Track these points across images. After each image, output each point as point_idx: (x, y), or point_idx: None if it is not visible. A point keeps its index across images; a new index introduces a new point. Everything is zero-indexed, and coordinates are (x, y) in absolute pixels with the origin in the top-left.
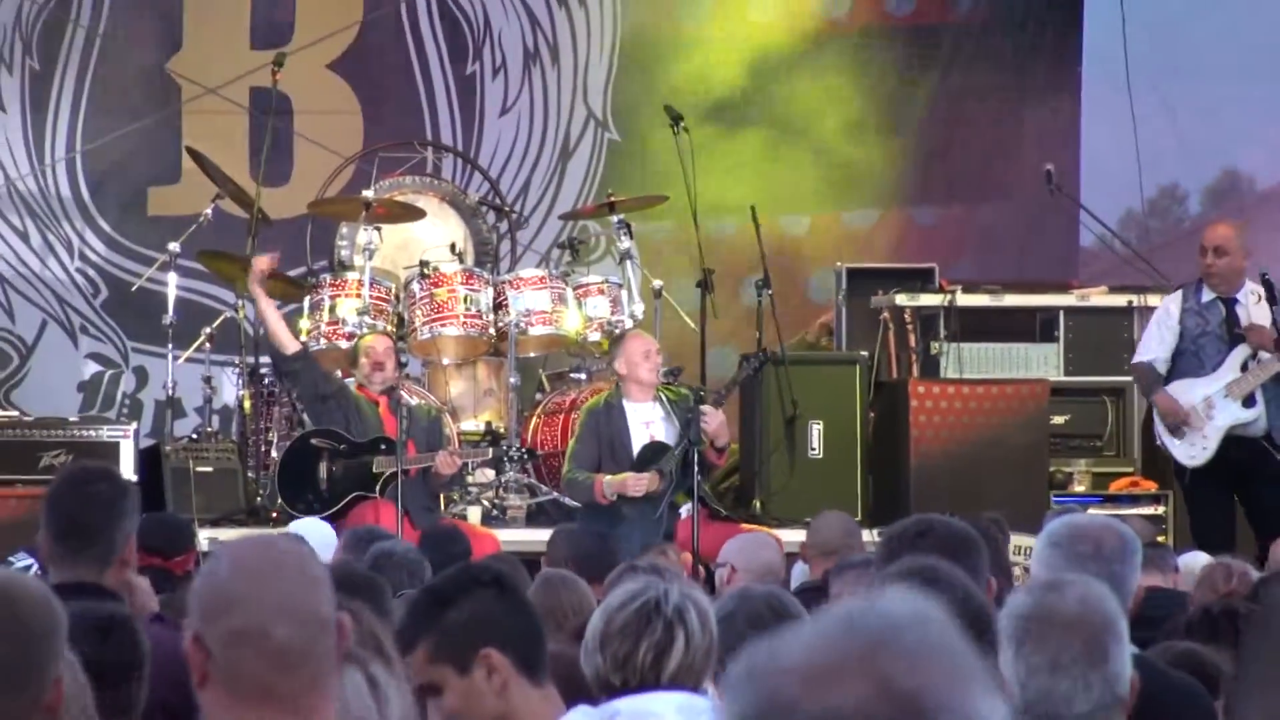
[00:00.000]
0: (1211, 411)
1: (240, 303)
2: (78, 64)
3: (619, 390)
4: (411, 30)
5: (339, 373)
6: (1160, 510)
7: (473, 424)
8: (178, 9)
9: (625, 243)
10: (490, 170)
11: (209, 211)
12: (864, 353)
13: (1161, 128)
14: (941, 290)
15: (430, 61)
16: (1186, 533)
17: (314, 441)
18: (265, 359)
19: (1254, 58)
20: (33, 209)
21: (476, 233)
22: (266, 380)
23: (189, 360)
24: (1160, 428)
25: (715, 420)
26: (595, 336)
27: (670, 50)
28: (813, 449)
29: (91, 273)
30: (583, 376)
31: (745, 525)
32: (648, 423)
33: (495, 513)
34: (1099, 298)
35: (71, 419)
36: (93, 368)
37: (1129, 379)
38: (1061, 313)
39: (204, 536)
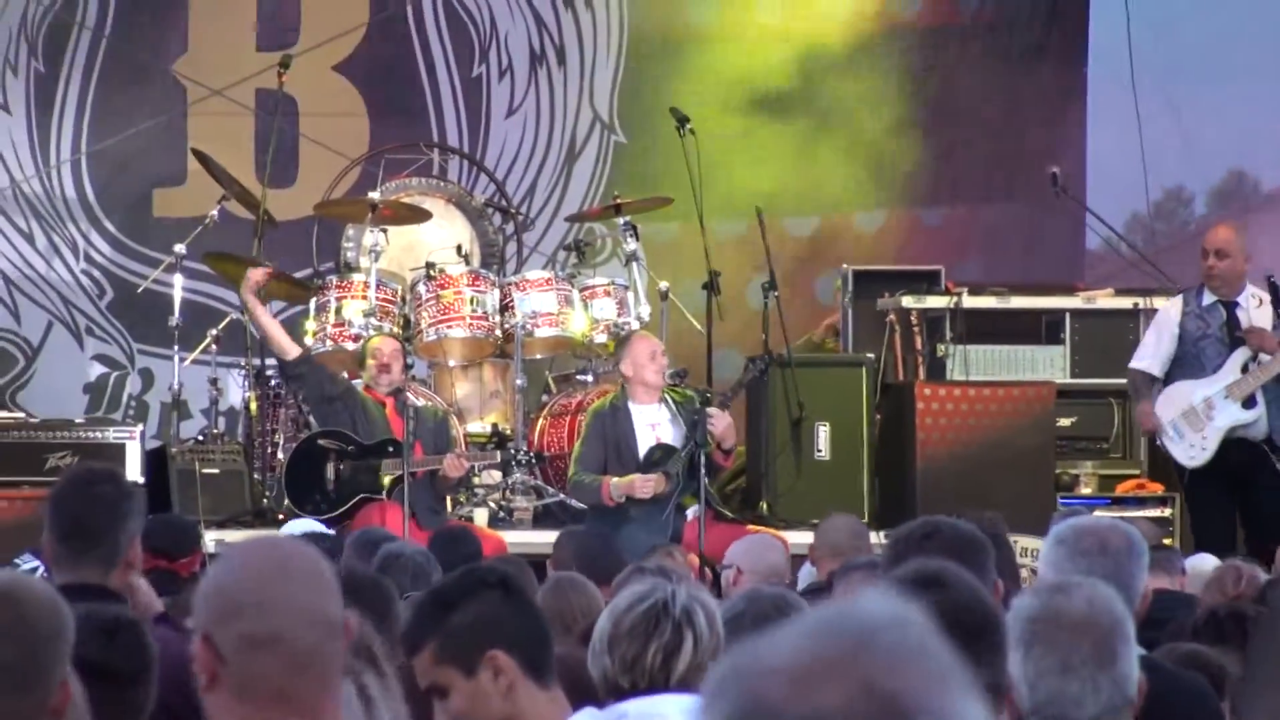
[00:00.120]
0: (1211, 412)
1: None
2: (83, 66)
3: (625, 392)
4: (417, 32)
5: (345, 374)
6: (1167, 512)
7: (479, 426)
8: (183, 11)
9: (631, 245)
10: (496, 172)
11: (215, 213)
12: (870, 355)
13: (1167, 128)
14: (947, 292)
15: (436, 63)
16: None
17: (321, 443)
18: (271, 361)
19: (1260, 58)
20: (38, 211)
21: (482, 234)
22: (272, 382)
23: (195, 362)
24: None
25: (723, 422)
26: (601, 338)
27: (677, 52)
28: (819, 451)
29: (97, 274)
30: (589, 378)
31: (751, 527)
32: (653, 425)
33: (502, 515)
34: (1105, 300)
35: (77, 421)
36: (98, 369)
37: None
38: (1067, 315)
39: (210, 538)
